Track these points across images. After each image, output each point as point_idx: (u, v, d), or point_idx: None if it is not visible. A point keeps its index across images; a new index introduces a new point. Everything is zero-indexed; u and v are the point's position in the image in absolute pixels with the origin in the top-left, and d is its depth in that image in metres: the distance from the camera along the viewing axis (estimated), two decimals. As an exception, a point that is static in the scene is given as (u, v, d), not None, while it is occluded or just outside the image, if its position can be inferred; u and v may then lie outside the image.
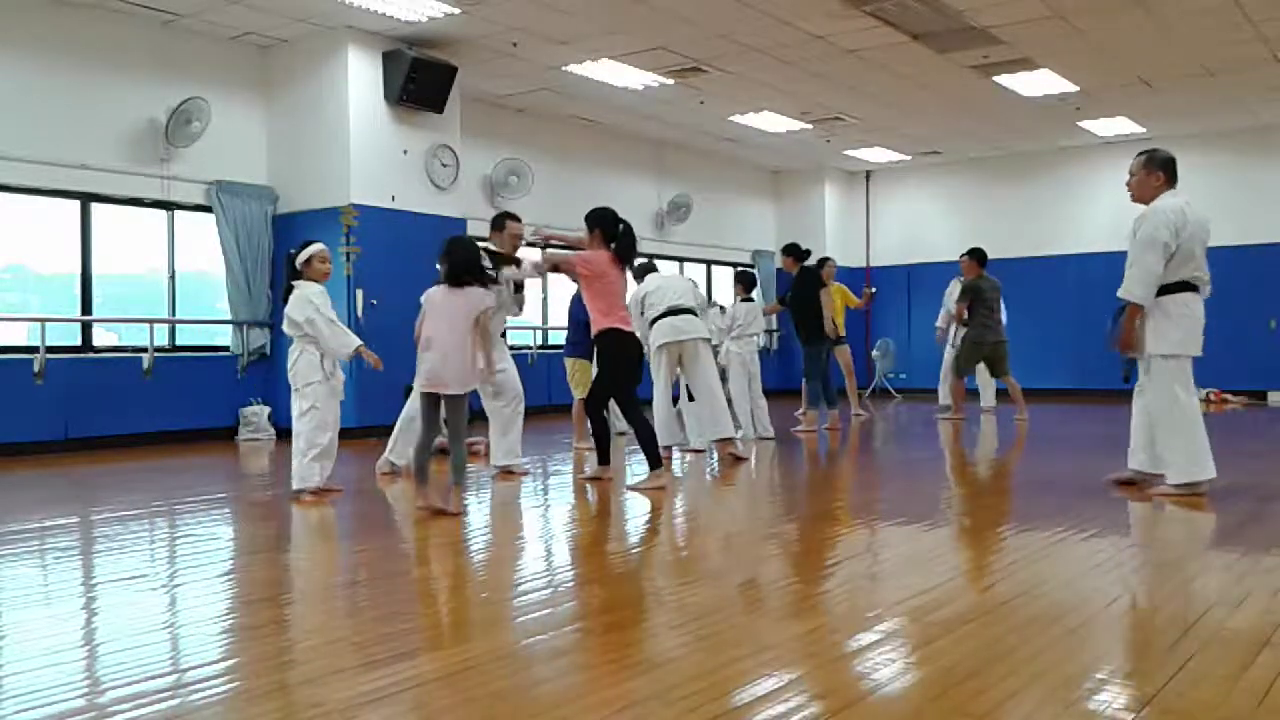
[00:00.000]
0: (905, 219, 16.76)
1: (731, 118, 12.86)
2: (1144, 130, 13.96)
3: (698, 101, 11.93)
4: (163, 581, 3.97)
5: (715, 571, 4.08)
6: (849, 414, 11.14)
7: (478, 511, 5.52)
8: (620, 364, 6.14)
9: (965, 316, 10.66)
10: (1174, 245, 5.24)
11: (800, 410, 10.46)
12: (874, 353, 15.80)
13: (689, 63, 10.38)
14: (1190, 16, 9.16)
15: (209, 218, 9.48)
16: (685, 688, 2.50)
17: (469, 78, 10.37)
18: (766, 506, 5.90)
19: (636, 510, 5.57)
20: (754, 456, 7.82)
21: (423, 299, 5.34)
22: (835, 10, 8.83)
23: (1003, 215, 15.58)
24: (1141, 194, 5.50)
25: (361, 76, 9.42)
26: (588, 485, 6.32)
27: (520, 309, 6.90)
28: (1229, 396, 13.51)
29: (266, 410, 9.62)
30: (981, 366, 11.67)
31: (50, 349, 8.39)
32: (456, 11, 8.78)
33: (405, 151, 9.80)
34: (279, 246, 9.68)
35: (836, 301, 10.89)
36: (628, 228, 6.23)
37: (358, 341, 5.74)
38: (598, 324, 6.15)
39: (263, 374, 9.74)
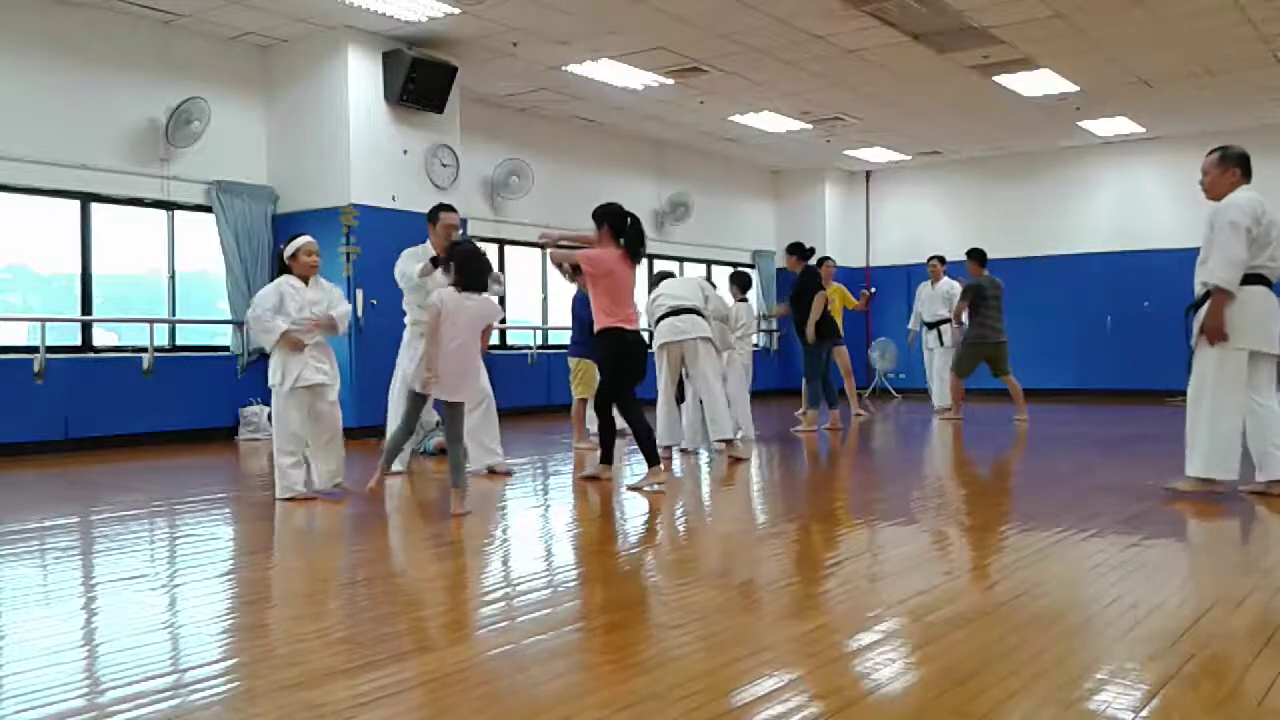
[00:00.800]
0: (905, 219, 16.76)
1: (731, 118, 12.86)
2: (1144, 130, 13.96)
3: (698, 101, 11.93)
4: (163, 581, 3.97)
5: (715, 571, 4.08)
6: (849, 414, 11.14)
7: (477, 512, 5.52)
8: (620, 363, 6.13)
9: (964, 316, 10.68)
10: (1255, 232, 5.09)
11: (800, 410, 10.47)
12: (873, 353, 15.80)
13: (689, 63, 10.38)
14: (1190, 16, 9.16)
15: (209, 218, 9.48)
16: (685, 688, 2.50)
17: (469, 78, 10.37)
18: (766, 507, 5.90)
19: (636, 510, 5.57)
20: (753, 457, 7.81)
21: (435, 299, 5.24)
22: (835, 10, 8.83)
23: (1003, 215, 15.59)
24: (1216, 191, 5.35)
25: (361, 76, 9.42)
26: (588, 485, 6.31)
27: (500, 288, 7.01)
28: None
29: (266, 410, 9.60)
30: (939, 367, 11.78)
31: (50, 349, 8.39)
32: (456, 11, 8.78)
33: (405, 151, 9.80)
34: (279, 246, 9.67)
35: (835, 302, 10.90)
36: (636, 223, 6.19)
37: (278, 330, 5.54)
38: (600, 322, 6.13)
39: (263, 374, 9.64)
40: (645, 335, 6.72)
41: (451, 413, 5.23)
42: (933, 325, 11.87)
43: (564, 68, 10.46)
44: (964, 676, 2.56)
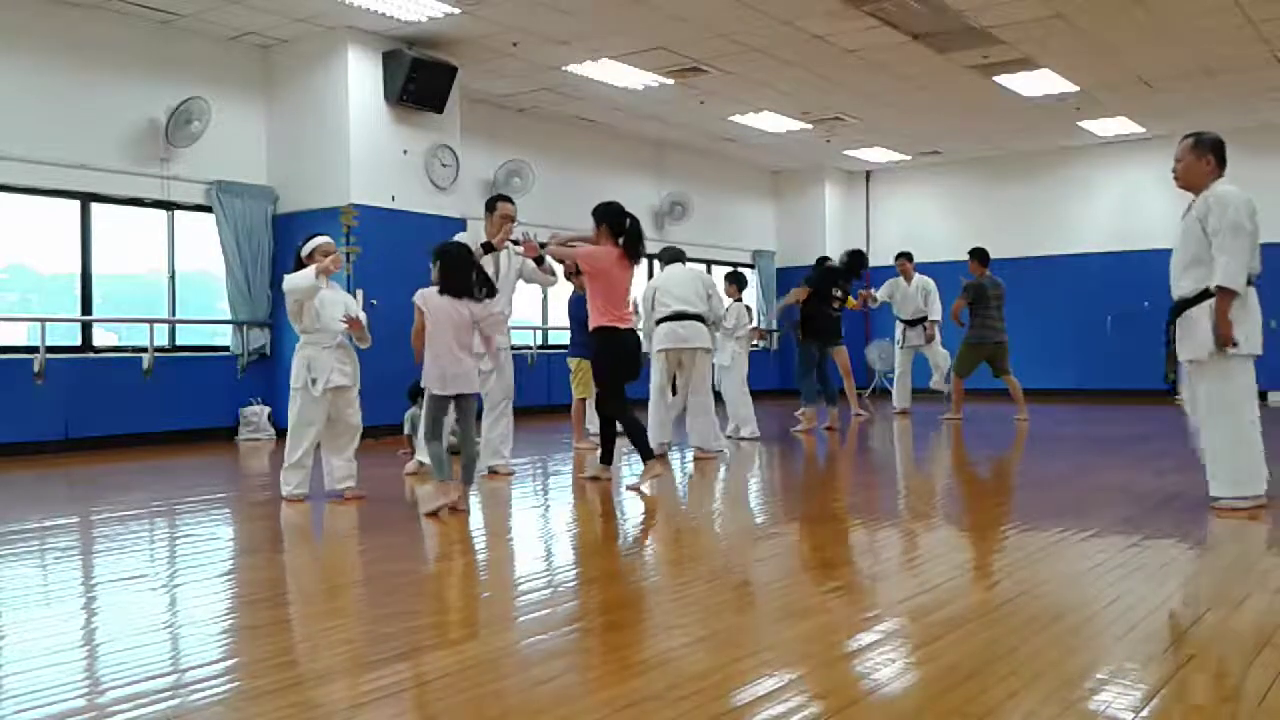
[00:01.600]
0: (905, 219, 16.75)
1: (731, 118, 12.86)
2: (1144, 130, 13.95)
3: (698, 101, 11.93)
4: (163, 581, 3.97)
5: (715, 572, 4.08)
6: (849, 414, 11.15)
7: (477, 512, 5.52)
8: (611, 362, 6.12)
9: (961, 315, 10.69)
10: (1250, 228, 4.91)
11: (800, 410, 10.47)
12: (871, 353, 15.79)
13: (689, 63, 10.37)
14: (1190, 16, 9.15)
15: (209, 218, 9.48)
16: (685, 688, 2.50)
17: (469, 78, 10.37)
18: (766, 507, 5.90)
19: (636, 510, 5.57)
20: (755, 457, 7.82)
21: (419, 300, 5.29)
22: (835, 10, 8.83)
23: (1003, 215, 15.58)
24: (1191, 179, 5.13)
25: (361, 76, 9.42)
26: (587, 485, 6.31)
27: (553, 278, 7.12)
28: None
29: (266, 410, 9.62)
30: (904, 369, 11.81)
31: (50, 349, 8.39)
32: (456, 11, 8.78)
33: (405, 151, 9.80)
34: (279, 246, 9.69)
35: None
36: (635, 223, 6.19)
37: (310, 273, 5.48)
38: (594, 320, 6.14)
39: (263, 374, 9.74)
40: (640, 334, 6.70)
41: (465, 411, 5.32)
42: (914, 323, 11.89)
43: (564, 68, 10.46)
44: (964, 676, 2.56)
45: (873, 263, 16.76)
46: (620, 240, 6.12)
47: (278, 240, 9.73)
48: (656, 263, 8.13)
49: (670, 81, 10.98)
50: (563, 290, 8.58)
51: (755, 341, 9.92)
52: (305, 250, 5.74)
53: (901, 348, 12.02)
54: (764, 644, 2.95)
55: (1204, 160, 5.06)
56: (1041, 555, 4.07)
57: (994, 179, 15.81)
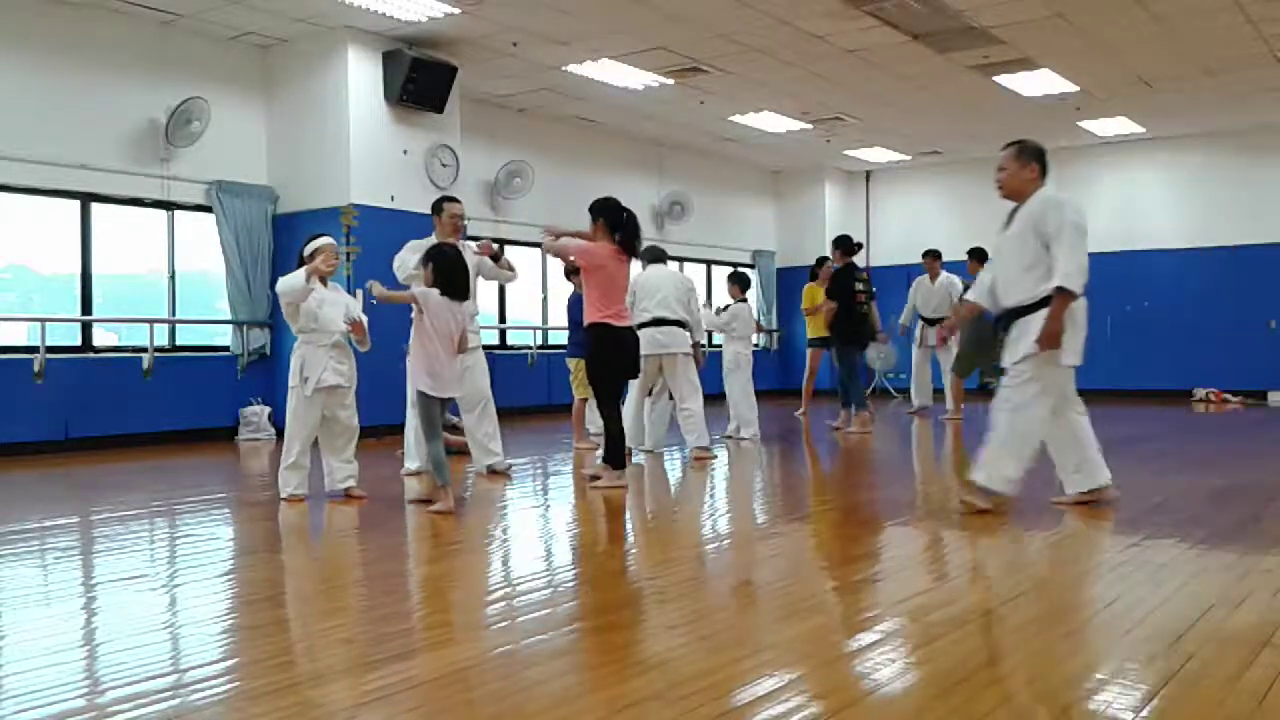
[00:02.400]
0: (905, 219, 16.75)
1: (731, 118, 12.86)
2: (1144, 130, 13.96)
3: (698, 101, 11.93)
4: (163, 581, 3.97)
5: (715, 571, 4.08)
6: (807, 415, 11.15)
7: (477, 512, 5.52)
8: (605, 359, 6.12)
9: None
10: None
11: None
12: (872, 354, 15.76)
13: (689, 63, 10.38)
14: (1190, 16, 9.15)
15: (209, 218, 9.48)
16: (685, 688, 2.50)
17: (469, 78, 10.37)
18: (766, 507, 5.90)
19: (635, 510, 5.57)
20: (755, 457, 7.81)
21: (420, 296, 5.33)
22: (835, 10, 8.83)
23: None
24: (1013, 187, 5.01)
25: (361, 76, 9.42)
26: (589, 485, 6.31)
27: (513, 274, 7.12)
28: (1229, 396, 13.52)
29: (266, 410, 9.62)
30: (921, 367, 11.78)
31: (50, 349, 8.39)
32: (456, 11, 8.78)
33: (405, 151, 9.80)
34: (279, 246, 9.69)
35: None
36: (632, 218, 6.18)
37: (301, 275, 5.43)
38: (589, 316, 6.12)
39: (263, 374, 9.74)
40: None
41: (444, 412, 5.43)
42: (933, 322, 11.83)
43: (564, 68, 10.46)
44: (964, 676, 2.56)
45: (873, 262, 16.87)
46: (617, 236, 6.11)
47: (278, 240, 9.73)
48: (637, 263, 8.10)
49: (670, 81, 10.98)
50: (563, 290, 8.58)
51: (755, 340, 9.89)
52: (307, 251, 5.71)
53: (919, 347, 11.96)
54: (764, 644, 2.95)
55: (1028, 168, 5.05)
56: (1041, 555, 4.07)
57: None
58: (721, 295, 14.94)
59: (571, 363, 8.49)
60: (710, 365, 8.68)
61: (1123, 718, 2.30)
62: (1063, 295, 4.69)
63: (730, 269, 15.89)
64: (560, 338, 12.06)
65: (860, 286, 9.78)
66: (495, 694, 2.54)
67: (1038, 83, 11.28)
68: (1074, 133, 14.04)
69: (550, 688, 2.59)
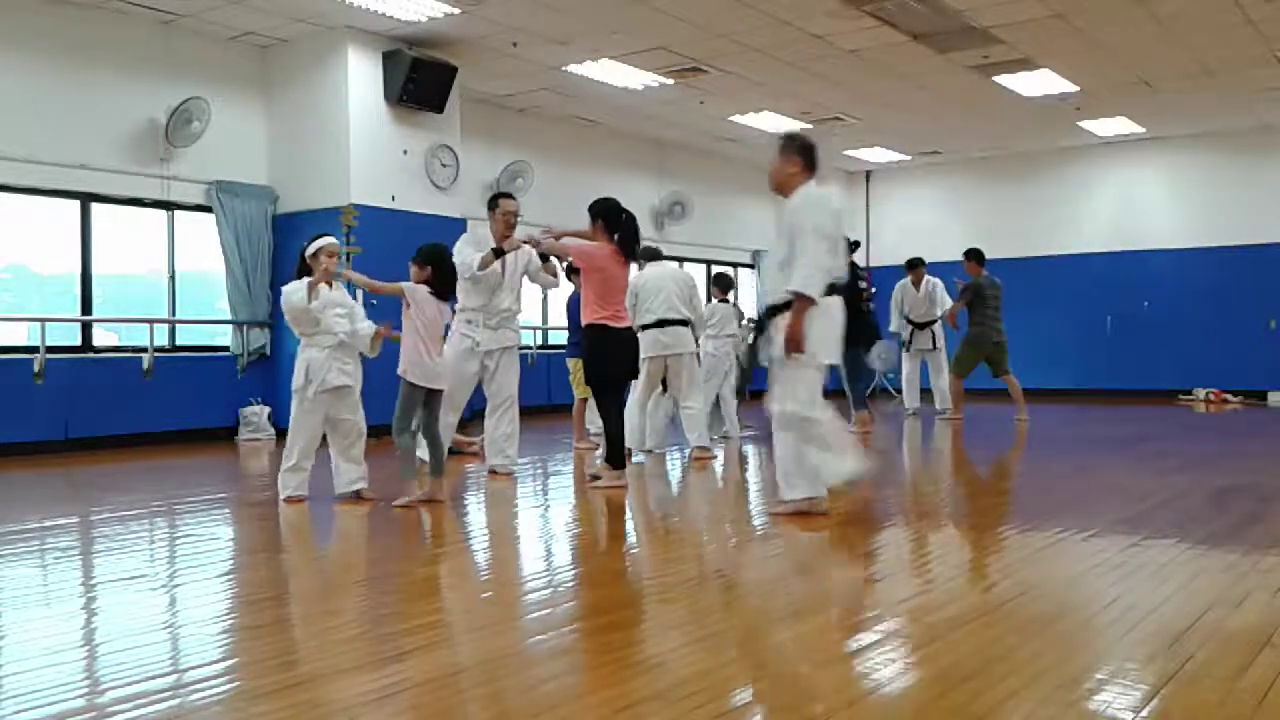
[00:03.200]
0: (905, 219, 16.75)
1: (731, 118, 12.86)
2: (1144, 130, 13.96)
3: (698, 101, 11.93)
4: (163, 581, 3.97)
5: (715, 571, 4.08)
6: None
7: (478, 512, 5.53)
8: (603, 360, 6.12)
9: (958, 316, 10.69)
10: (829, 231, 4.81)
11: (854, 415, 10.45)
12: (873, 354, 15.76)
13: (689, 63, 10.38)
14: (1190, 16, 9.15)
15: (209, 218, 9.48)
16: (685, 688, 2.50)
17: (469, 78, 10.36)
18: (766, 507, 5.89)
19: (635, 510, 5.57)
20: (753, 457, 7.81)
21: (408, 292, 5.45)
22: (835, 10, 8.83)
23: (1003, 215, 15.59)
24: (779, 182, 4.96)
25: (361, 76, 9.42)
26: (589, 484, 6.31)
27: (556, 280, 7.10)
28: (1229, 396, 13.53)
29: (266, 410, 9.62)
30: (911, 372, 11.79)
31: (50, 349, 8.39)
32: (456, 11, 8.78)
33: (405, 151, 9.80)
34: (279, 246, 9.69)
35: None
36: (631, 219, 6.19)
37: (302, 286, 5.43)
38: (587, 317, 6.13)
39: (263, 374, 9.74)
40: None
41: (431, 404, 5.50)
42: (924, 325, 11.83)
43: (564, 68, 10.46)
44: (964, 676, 2.56)
45: (874, 262, 16.87)
46: (615, 236, 6.11)
47: (278, 240, 9.73)
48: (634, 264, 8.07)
49: (670, 81, 10.98)
50: (563, 290, 8.57)
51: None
52: (309, 251, 5.63)
53: (909, 351, 11.98)
54: (764, 644, 2.95)
55: (790, 162, 4.95)
56: (1041, 555, 4.07)
57: (994, 179, 15.81)
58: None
59: (571, 363, 8.49)
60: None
61: (1123, 718, 2.30)
62: (800, 300, 4.69)
63: (731, 269, 15.97)
64: (560, 338, 12.06)
65: (863, 285, 9.76)
66: (495, 694, 2.54)
67: (1038, 83, 11.27)
68: (1074, 133, 14.04)
69: (550, 688, 2.59)
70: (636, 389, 7.54)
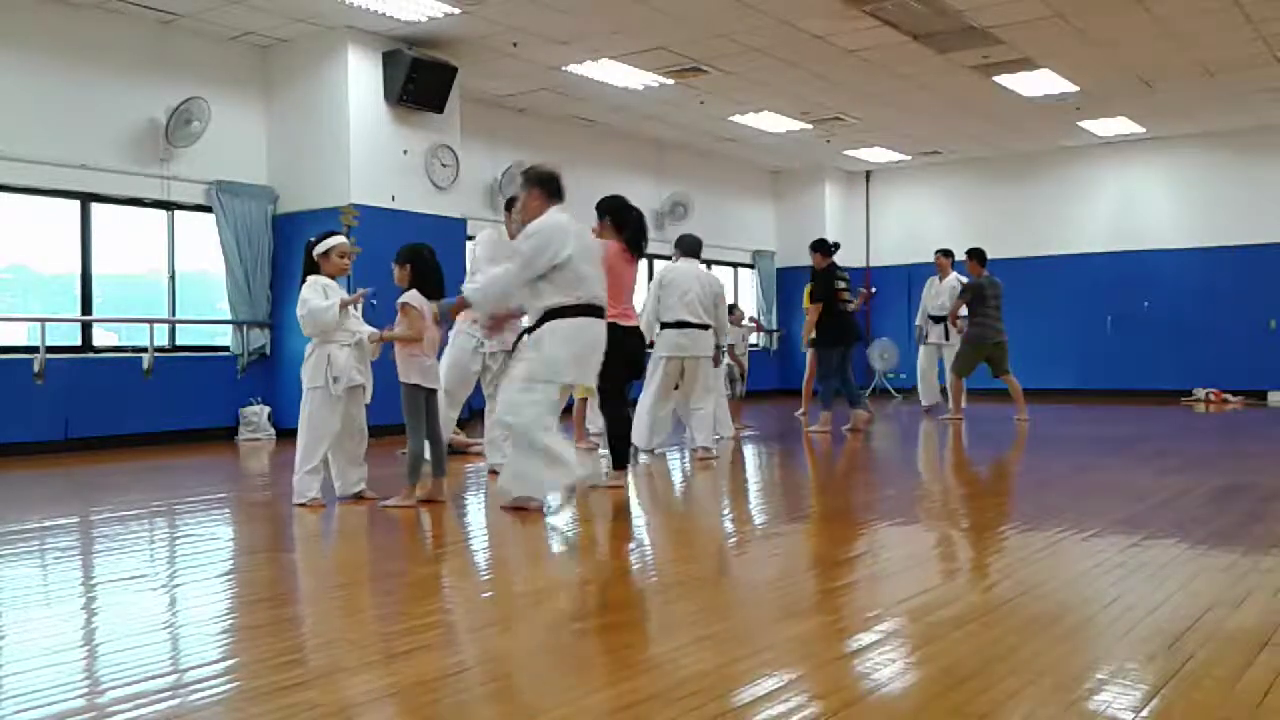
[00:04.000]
0: (905, 219, 16.76)
1: (731, 118, 12.86)
2: (1144, 130, 13.96)
3: (698, 101, 11.93)
4: (163, 581, 3.97)
5: (715, 571, 4.08)
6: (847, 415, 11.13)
7: (478, 512, 5.52)
8: (611, 359, 6.11)
9: (959, 316, 10.68)
10: (559, 258, 5.01)
11: (800, 411, 10.48)
12: (874, 353, 15.79)
13: (689, 63, 10.38)
14: (1190, 16, 9.15)
15: (209, 218, 9.48)
16: (685, 688, 2.50)
17: (469, 78, 10.37)
18: (767, 507, 5.90)
19: (635, 510, 5.57)
20: (753, 458, 7.81)
21: (416, 303, 5.37)
22: (835, 10, 8.83)
23: (1003, 215, 15.59)
24: (527, 216, 5.21)
25: (361, 76, 9.42)
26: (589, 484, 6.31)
27: None
28: (1229, 396, 13.52)
29: (266, 410, 9.62)
30: (927, 366, 11.79)
31: (50, 349, 8.39)
32: (456, 11, 8.78)
33: (405, 151, 9.80)
34: (279, 246, 9.70)
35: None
36: (639, 217, 6.17)
37: (333, 302, 5.36)
38: None
39: (263, 374, 9.74)
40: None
41: (432, 403, 5.45)
42: (939, 320, 11.83)
43: (564, 68, 10.46)
44: (964, 676, 2.56)
45: (874, 262, 16.89)
46: (624, 235, 6.10)
47: (278, 240, 9.73)
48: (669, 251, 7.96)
49: (670, 81, 10.98)
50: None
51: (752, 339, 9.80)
52: (319, 249, 5.53)
53: (924, 344, 11.97)
54: (764, 644, 2.95)
55: (531, 194, 5.15)
56: (1041, 555, 4.07)
57: (994, 179, 15.82)
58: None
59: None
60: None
61: (1123, 718, 2.30)
62: (460, 300, 5.18)
63: (731, 269, 15.98)
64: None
65: (842, 286, 9.75)
66: (495, 694, 2.54)
67: (1038, 83, 11.28)
68: (1074, 133, 14.04)
69: (550, 688, 2.59)
70: (649, 388, 7.50)
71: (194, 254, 9.60)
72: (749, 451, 8.26)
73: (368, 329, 5.64)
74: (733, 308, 9.41)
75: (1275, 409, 12.72)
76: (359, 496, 5.65)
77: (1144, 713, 2.31)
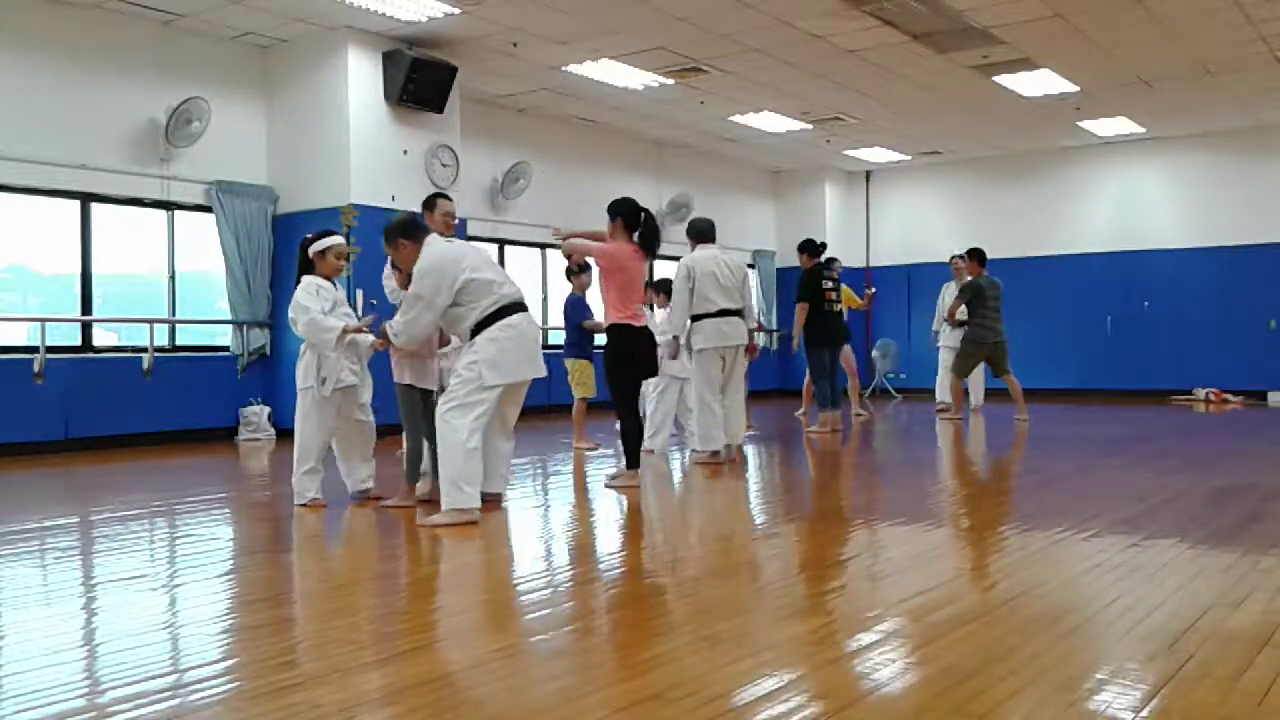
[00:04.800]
0: (905, 219, 16.76)
1: (731, 118, 12.86)
2: (1144, 130, 13.96)
3: (698, 101, 11.93)
4: (163, 581, 3.97)
5: (715, 571, 4.08)
6: (849, 414, 11.14)
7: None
8: (624, 360, 6.12)
9: (959, 316, 10.68)
10: (461, 284, 4.98)
11: (800, 411, 10.47)
12: (874, 353, 15.80)
13: (689, 63, 10.38)
14: (1190, 16, 9.16)
15: (209, 218, 9.48)
16: (685, 688, 2.50)
17: (469, 78, 10.37)
18: (767, 507, 5.90)
19: (636, 510, 5.57)
20: (752, 457, 7.80)
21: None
22: (835, 10, 8.83)
23: (1003, 215, 15.59)
24: (406, 262, 5.13)
25: (361, 76, 9.42)
26: (585, 484, 6.31)
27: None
28: (1229, 396, 13.52)
29: (266, 410, 9.62)
30: (945, 366, 11.78)
31: (50, 349, 8.39)
32: (456, 11, 8.78)
33: (405, 151, 9.80)
34: (279, 246, 9.70)
35: (840, 302, 10.89)
36: (650, 218, 6.17)
37: (337, 328, 5.32)
38: (609, 317, 6.13)
39: (263, 374, 9.74)
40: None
41: (429, 403, 5.37)
42: (960, 324, 11.79)
43: (564, 68, 10.46)
44: (964, 676, 2.56)
45: (874, 262, 16.89)
46: (635, 236, 6.11)
47: (278, 240, 9.74)
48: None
49: (670, 81, 10.98)
50: (563, 289, 8.57)
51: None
52: (316, 248, 5.49)
53: (943, 346, 11.96)
54: (764, 644, 2.94)
55: (398, 246, 5.09)
56: (1041, 555, 4.07)
57: (994, 179, 15.82)
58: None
59: (570, 363, 8.49)
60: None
61: (1123, 718, 2.30)
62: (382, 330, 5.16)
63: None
64: (558, 337, 12.07)
65: (830, 286, 9.74)
66: (495, 694, 2.54)
67: (1038, 83, 11.28)
68: (1074, 133, 14.04)
69: (550, 688, 2.59)
70: (698, 387, 7.17)
71: (194, 254, 9.61)
72: (749, 452, 8.25)
73: (363, 336, 5.63)
74: None
75: (1275, 409, 12.72)
76: (365, 495, 5.65)
77: (1144, 713, 2.31)
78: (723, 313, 7.09)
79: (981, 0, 8.65)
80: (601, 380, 6.71)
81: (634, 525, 5.25)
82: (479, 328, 4.98)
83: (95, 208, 8.80)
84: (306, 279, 5.47)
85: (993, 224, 15.43)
